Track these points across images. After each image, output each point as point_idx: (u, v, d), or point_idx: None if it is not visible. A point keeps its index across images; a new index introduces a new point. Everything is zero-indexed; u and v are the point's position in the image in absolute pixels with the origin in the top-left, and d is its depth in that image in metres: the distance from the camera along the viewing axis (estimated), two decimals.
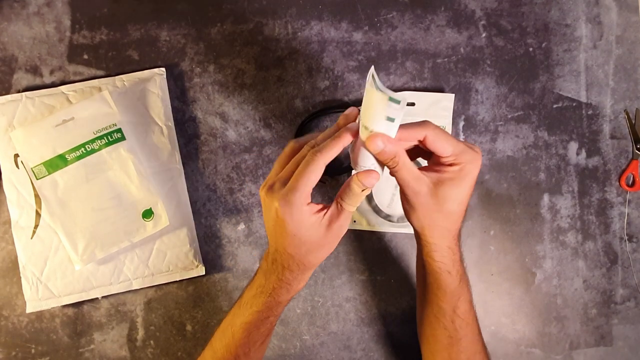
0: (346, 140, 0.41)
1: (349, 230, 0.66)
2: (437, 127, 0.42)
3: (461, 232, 0.49)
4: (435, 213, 0.44)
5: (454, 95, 0.65)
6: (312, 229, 0.42)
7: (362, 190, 0.42)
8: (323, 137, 0.43)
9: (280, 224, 0.42)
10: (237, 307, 0.51)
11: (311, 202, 0.43)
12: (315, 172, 0.41)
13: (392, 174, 0.43)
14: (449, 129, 0.65)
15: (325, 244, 0.44)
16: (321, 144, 0.41)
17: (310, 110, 0.66)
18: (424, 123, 0.42)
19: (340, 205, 0.43)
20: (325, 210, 0.43)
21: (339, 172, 0.65)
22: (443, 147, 0.42)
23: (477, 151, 0.43)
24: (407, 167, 0.42)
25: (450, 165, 0.43)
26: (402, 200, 0.46)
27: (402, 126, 0.41)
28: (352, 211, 0.44)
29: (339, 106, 0.66)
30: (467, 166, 0.42)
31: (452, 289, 0.49)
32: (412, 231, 0.65)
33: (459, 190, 0.43)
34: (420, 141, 0.43)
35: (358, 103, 0.66)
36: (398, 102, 0.37)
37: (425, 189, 0.43)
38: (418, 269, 0.54)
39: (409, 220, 0.47)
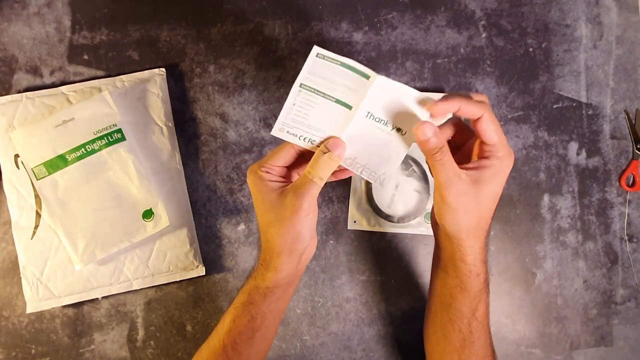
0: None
1: (349, 230, 0.66)
2: (492, 111, 0.41)
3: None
4: (475, 213, 0.43)
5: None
6: (269, 196, 0.43)
7: (325, 154, 0.42)
8: None
9: (253, 197, 0.45)
10: (237, 295, 0.50)
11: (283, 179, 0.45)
12: (283, 149, 0.44)
13: (432, 170, 0.42)
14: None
15: (284, 218, 0.43)
16: None
17: None
18: (483, 103, 0.41)
19: (304, 174, 0.43)
20: (289, 184, 0.44)
21: None
22: (492, 133, 0.41)
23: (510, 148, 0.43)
24: (452, 162, 0.41)
25: (486, 157, 0.42)
26: (437, 203, 0.44)
27: (462, 100, 0.40)
28: (314, 182, 0.42)
29: None
30: (505, 160, 0.42)
31: (475, 291, 0.47)
32: (412, 231, 0.65)
33: (497, 185, 0.43)
34: (457, 129, 0.44)
35: None
36: (367, 77, 0.37)
37: (466, 188, 0.42)
38: (436, 271, 0.51)
39: (443, 224, 0.44)
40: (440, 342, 0.51)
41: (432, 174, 0.43)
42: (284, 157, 0.45)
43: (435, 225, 0.47)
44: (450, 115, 0.43)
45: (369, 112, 0.43)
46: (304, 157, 0.46)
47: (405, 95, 0.42)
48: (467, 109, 0.41)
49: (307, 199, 0.42)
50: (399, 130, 0.43)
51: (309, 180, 0.43)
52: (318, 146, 0.44)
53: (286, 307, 0.51)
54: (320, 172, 0.43)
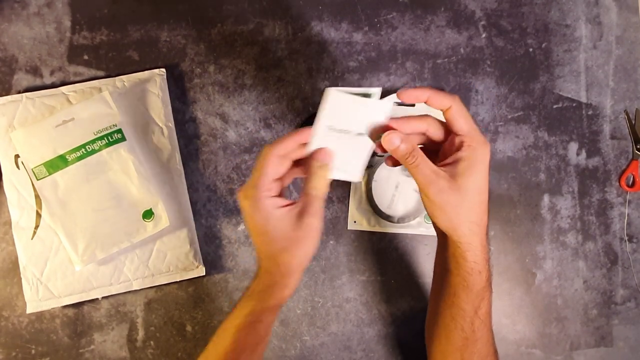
0: (301, 136, 0.43)
1: (349, 230, 0.66)
2: (461, 102, 0.43)
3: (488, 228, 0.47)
4: (461, 208, 0.43)
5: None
6: (280, 223, 0.42)
7: (320, 167, 0.43)
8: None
9: (251, 222, 0.43)
10: (233, 310, 0.49)
11: (280, 196, 0.44)
12: (268, 164, 0.42)
13: (411, 173, 0.43)
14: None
15: (299, 239, 0.43)
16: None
17: (310, 110, 0.66)
18: (453, 95, 0.43)
19: (307, 193, 0.43)
20: (294, 205, 0.43)
21: None
22: (462, 122, 0.43)
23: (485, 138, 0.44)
24: (426, 162, 0.42)
25: (459, 150, 0.43)
26: (425, 203, 0.45)
27: (431, 91, 0.43)
28: (320, 196, 0.43)
29: None
30: (479, 149, 0.42)
31: (478, 289, 0.46)
32: (412, 231, 0.66)
33: (477, 177, 0.43)
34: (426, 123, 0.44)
35: None
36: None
37: (446, 184, 0.42)
38: (438, 271, 0.51)
39: (436, 223, 0.45)
40: (443, 341, 0.51)
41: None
42: (277, 171, 0.43)
43: (433, 224, 0.47)
44: (416, 106, 0.44)
45: (329, 126, 0.43)
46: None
47: (359, 103, 0.43)
48: (435, 99, 0.43)
49: (318, 217, 0.43)
50: (360, 134, 0.45)
51: (315, 197, 0.43)
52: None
53: None
54: (320, 186, 0.43)
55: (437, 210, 0.43)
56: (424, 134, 0.45)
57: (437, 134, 0.45)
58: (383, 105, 0.44)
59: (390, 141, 0.42)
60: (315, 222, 0.43)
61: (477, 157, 0.43)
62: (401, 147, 0.42)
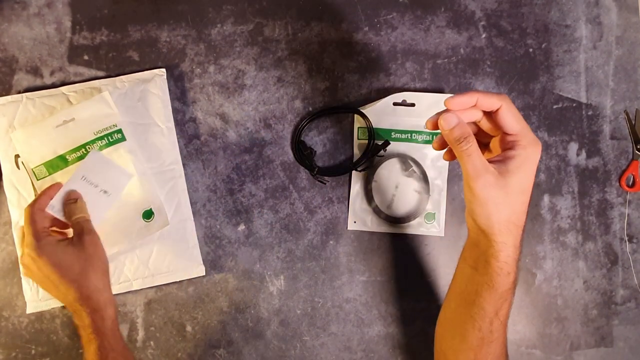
0: (52, 190, 0.56)
1: (349, 230, 0.66)
2: (511, 101, 0.42)
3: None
4: (504, 206, 0.42)
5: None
6: (63, 252, 0.52)
7: (72, 203, 0.55)
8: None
9: (42, 267, 0.52)
10: None
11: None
12: (33, 220, 0.53)
13: (460, 163, 0.42)
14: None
15: (80, 258, 0.52)
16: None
17: (310, 110, 0.66)
18: (501, 94, 0.42)
19: (75, 222, 0.54)
20: (67, 237, 0.54)
21: (339, 172, 0.65)
22: (513, 122, 0.42)
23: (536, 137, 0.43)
24: (479, 153, 0.41)
25: (510, 148, 0.42)
26: (467, 196, 0.44)
27: (479, 93, 0.42)
28: (86, 218, 0.56)
29: (338, 107, 0.66)
30: (530, 149, 0.42)
31: (502, 290, 0.45)
32: (412, 232, 0.65)
33: (524, 176, 0.42)
34: (481, 119, 0.44)
35: (358, 104, 0.66)
36: None
37: (493, 180, 0.41)
38: (462, 268, 0.50)
39: (475, 218, 0.44)
40: (457, 340, 0.49)
41: (461, 168, 0.43)
42: (37, 224, 0.54)
43: (469, 220, 0.46)
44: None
45: (83, 176, 0.57)
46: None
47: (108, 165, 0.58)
48: (484, 101, 0.42)
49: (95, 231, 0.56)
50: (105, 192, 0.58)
51: (84, 220, 0.55)
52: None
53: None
54: (78, 211, 0.55)
55: (479, 205, 0.42)
56: (476, 124, 0.45)
57: (489, 106, 0.43)
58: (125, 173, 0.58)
59: (447, 120, 0.41)
60: (94, 238, 0.54)
61: (528, 156, 0.42)
62: (455, 129, 0.41)
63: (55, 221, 0.55)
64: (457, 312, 0.50)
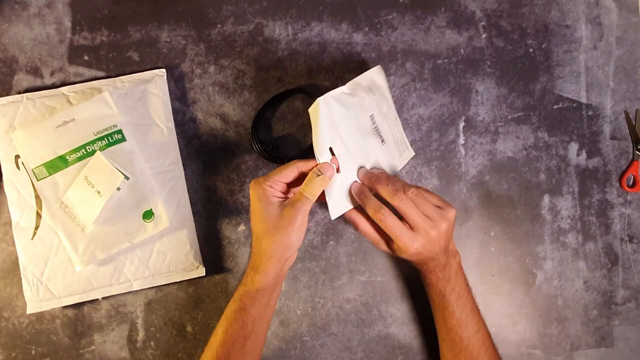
0: (322, 167, 0.52)
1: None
2: (405, 201, 0.51)
3: (451, 257, 0.56)
4: (392, 250, 0.55)
5: (379, 65, 0.61)
6: (270, 209, 0.50)
7: (318, 176, 0.50)
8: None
9: (251, 205, 0.52)
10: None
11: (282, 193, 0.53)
12: (288, 168, 0.51)
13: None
14: (390, 103, 0.63)
15: (280, 227, 0.50)
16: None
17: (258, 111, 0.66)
18: (397, 197, 0.52)
19: (300, 192, 0.51)
20: (286, 198, 0.52)
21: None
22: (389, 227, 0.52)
23: (418, 234, 0.52)
24: (368, 228, 0.56)
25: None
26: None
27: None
28: (309, 198, 0.50)
29: (292, 90, 0.66)
30: (400, 246, 0.53)
31: (434, 297, 0.57)
32: None
33: (402, 253, 0.54)
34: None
35: None
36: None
37: (378, 237, 0.56)
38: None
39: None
40: (442, 348, 0.60)
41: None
42: (288, 176, 0.52)
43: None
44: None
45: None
46: (303, 177, 0.52)
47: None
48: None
49: (302, 213, 0.50)
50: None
51: (304, 197, 0.50)
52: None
53: (272, 315, 0.56)
54: (314, 191, 0.50)
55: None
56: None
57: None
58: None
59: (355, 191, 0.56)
60: (296, 215, 0.49)
61: (400, 249, 0.54)
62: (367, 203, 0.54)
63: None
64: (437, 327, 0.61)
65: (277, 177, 0.51)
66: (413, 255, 0.53)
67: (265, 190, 0.51)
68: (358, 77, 0.56)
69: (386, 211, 0.52)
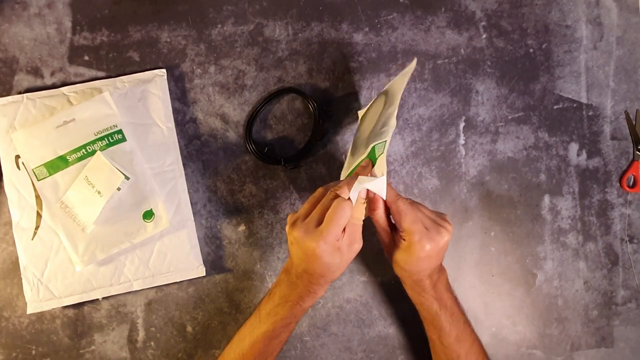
0: (353, 181, 0.50)
1: None
2: (407, 204, 0.50)
3: (439, 276, 0.55)
4: (392, 261, 0.54)
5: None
6: (338, 255, 0.49)
7: (361, 201, 0.50)
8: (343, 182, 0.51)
9: (315, 257, 0.48)
10: (256, 320, 0.55)
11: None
12: (343, 215, 0.48)
13: (372, 218, 0.52)
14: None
15: (347, 261, 0.51)
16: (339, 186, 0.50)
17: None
18: (399, 200, 0.51)
19: (352, 223, 0.50)
20: (344, 236, 0.49)
21: (308, 153, 0.65)
22: (400, 221, 0.50)
23: (434, 235, 0.50)
24: (381, 220, 0.52)
25: (403, 237, 0.51)
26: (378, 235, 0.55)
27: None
28: (360, 225, 0.50)
29: (283, 91, 0.66)
30: (414, 246, 0.50)
31: (429, 319, 0.56)
32: None
33: (407, 258, 0.51)
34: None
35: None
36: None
37: (387, 241, 0.53)
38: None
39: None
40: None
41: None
42: (345, 221, 0.48)
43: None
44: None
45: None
46: None
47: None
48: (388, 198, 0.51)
49: (361, 239, 0.51)
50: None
51: (358, 226, 0.50)
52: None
53: None
54: (361, 216, 0.51)
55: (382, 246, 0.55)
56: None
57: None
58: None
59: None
60: (359, 246, 0.51)
61: (412, 249, 0.50)
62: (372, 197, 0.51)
63: None
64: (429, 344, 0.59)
65: (338, 229, 0.48)
66: (418, 262, 0.51)
67: (335, 247, 0.48)
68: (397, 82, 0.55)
69: (407, 200, 0.51)
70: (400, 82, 0.53)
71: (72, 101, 0.63)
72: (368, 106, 0.62)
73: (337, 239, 0.48)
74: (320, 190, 0.52)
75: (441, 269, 0.55)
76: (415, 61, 0.52)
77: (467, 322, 0.56)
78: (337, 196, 0.49)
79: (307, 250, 0.48)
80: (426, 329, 0.58)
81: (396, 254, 0.52)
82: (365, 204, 0.51)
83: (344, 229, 0.49)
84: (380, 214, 0.52)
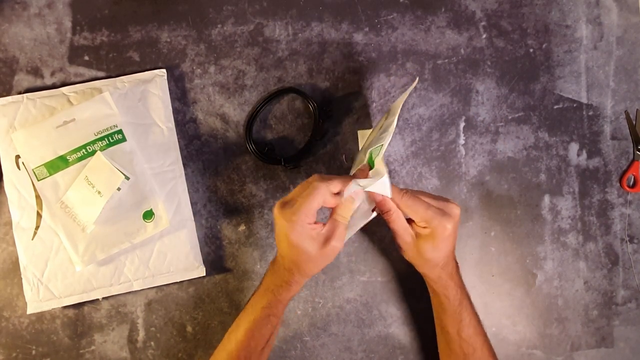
0: (349, 179, 0.50)
1: None
2: (412, 196, 0.51)
3: (456, 262, 0.56)
4: (418, 256, 0.54)
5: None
6: (311, 242, 0.49)
7: (348, 200, 0.50)
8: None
9: (286, 237, 0.49)
10: (243, 313, 0.55)
11: (316, 222, 0.50)
12: (316, 197, 0.48)
13: (387, 222, 0.53)
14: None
15: (324, 255, 0.50)
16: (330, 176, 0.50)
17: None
18: (403, 195, 0.51)
19: (334, 219, 0.50)
20: (323, 228, 0.50)
21: (308, 153, 0.65)
22: (413, 214, 0.51)
23: (448, 212, 0.51)
24: (399, 220, 0.52)
25: (424, 227, 0.52)
26: (394, 239, 0.55)
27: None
28: (344, 223, 0.50)
29: (281, 91, 0.66)
30: (437, 229, 0.51)
31: (451, 311, 0.56)
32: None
33: (434, 244, 0.52)
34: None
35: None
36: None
37: (409, 239, 0.53)
38: (430, 297, 0.60)
39: (402, 254, 0.56)
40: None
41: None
42: (318, 203, 0.49)
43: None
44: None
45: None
46: None
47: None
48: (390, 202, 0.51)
49: (343, 239, 0.50)
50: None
51: (341, 223, 0.50)
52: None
53: None
54: (346, 214, 0.51)
55: (401, 249, 0.55)
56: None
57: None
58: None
59: (377, 196, 0.52)
60: (338, 245, 0.50)
61: (435, 234, 0.51)
62: (385, 201, 0.52)
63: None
64: (439, 339, 0.60)
65: (310, 209, 0.48)
66: (445, 243, 0.52)
67: (302, 227, 0.48)
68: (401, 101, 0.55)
69: (408, 192, 0.52)
70: (401, 99, 0.55)
71: (72, 101, 0.63)
72: (371, 130, 0.64)
73: (309, 222, 0.48)
74: (314, 176, 0.51)
75: (455, 260, 0.56)
76: (417, 80, 0.56)
77: (477, 315, 0.58)
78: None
79: (280, 228, 0.50)
80: (444, 323, 0.57)
81: (421, 245, 0.53)
82: (357, 205, 0.51)
83: (333, 225, 0.50)
84: (397, 213, 0.52)
